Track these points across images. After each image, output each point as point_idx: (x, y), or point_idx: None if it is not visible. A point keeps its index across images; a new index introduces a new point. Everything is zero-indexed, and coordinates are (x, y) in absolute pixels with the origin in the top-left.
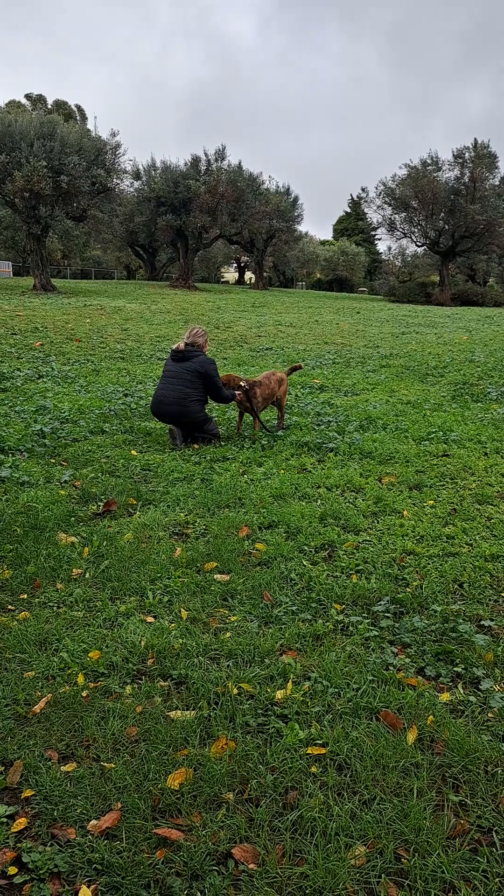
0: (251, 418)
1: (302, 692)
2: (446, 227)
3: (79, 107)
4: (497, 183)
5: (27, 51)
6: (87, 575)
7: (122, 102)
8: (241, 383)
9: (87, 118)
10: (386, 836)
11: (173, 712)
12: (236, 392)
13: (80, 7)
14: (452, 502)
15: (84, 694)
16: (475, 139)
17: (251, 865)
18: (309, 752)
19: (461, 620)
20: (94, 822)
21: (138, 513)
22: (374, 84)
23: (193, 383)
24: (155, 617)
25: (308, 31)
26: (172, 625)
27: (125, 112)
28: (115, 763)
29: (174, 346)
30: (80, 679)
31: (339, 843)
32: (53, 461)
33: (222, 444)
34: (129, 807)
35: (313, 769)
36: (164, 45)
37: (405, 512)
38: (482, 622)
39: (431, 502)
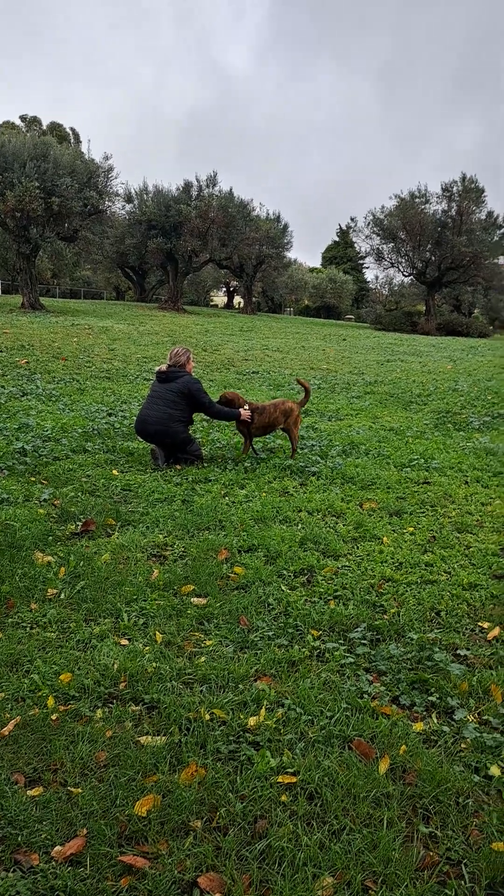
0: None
1: (275, 719)
2: (433, 258)
3: (73, 129)
4: (483, 217)
5: (28, 76)
6: (63, 595)
7: (117, 127)
8: (246, 406)
9: (80, 141)
10: (354, 867)
11: (144, 738)
12: (241, 410)
13: (83, 33)
14: (432, 530)
15: (54, 717)
16: (463, 173)
17: (217, 895)
18: (280, 780)
19: (437, 649)
20: (58, 848)
21: (117, 533)
22: (366, 117)
23: (177, 404)
24: (129, 640)
25: (302, 64)
26: (147, 648)
27: (120, 136)
28: (83, 788)
29: (158, 369)
30: (51, 702)
31: (306, 873)
32: (33, 479)
33: (205, 465)
34: (95, 833)
35: (283, 798)
36: (162, 71)
37: (385, 538)
38: (458, 651)
39: (411, 529)
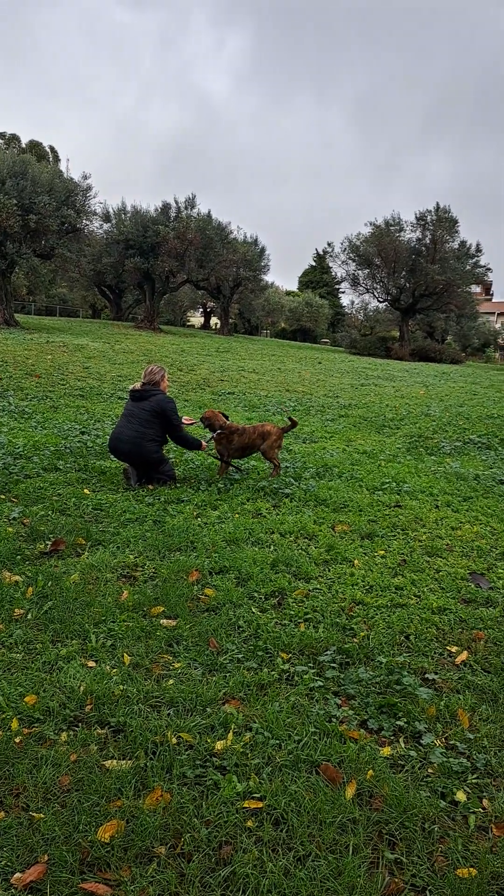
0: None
1: (242, 743)
2: (407, 285)
3: (52, 147)
4: (456, 246)
5: (8, 96)
6: (30, 616)
7: (97, 148)
8: (218, 429)
9: (59, 159)
10: (319, 894)
11: (109, 761)
12: (203, 442)
13: (65, 57)
14: (403, 553)
15: (17, 740)
16: (437, 203)
17: None
18: (246, 805)
19: (406, 673)
20: (18, 874)
21: (87, 553)
22: (342, 147)
23: (151, 423)
24: (96, 661)
25: (282, 95)
26: (114, 670)
27: (100, 157)
28: (45, 813)
29: (132, 387)
30: (15, 724)
31: None
32: (3, 497)
33: (178, 485)
34: (57, 859)
35: (249, 823)
36: (144, 97)
37: (356, 561)
38: (426, 675)
39: (382, 552)
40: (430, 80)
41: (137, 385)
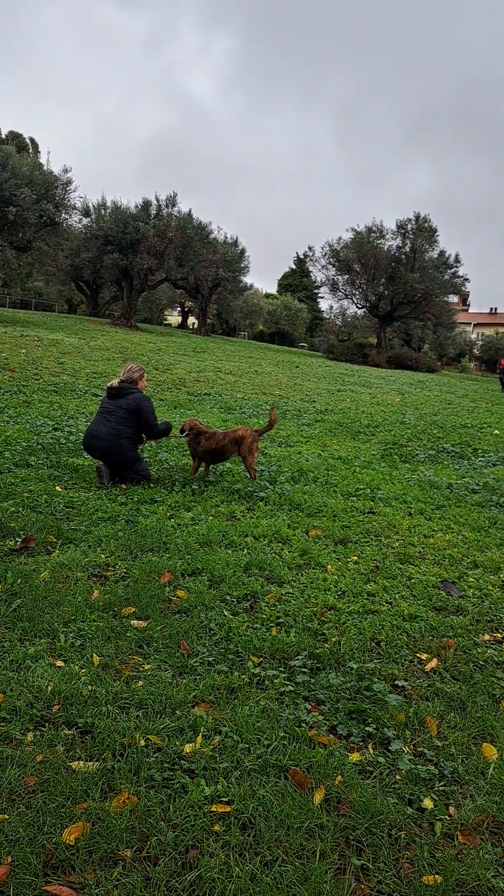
0: (218, 465)
1: (211, 747)
2: (386, 292)
3: (32, 139)
4: (436, 256)
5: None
6: None
7: (82, 146)
8: (186, 431)
9: (39, 151)
10: None
11: (75, 763)
12: (174, 436)
13: (55, 53)
14: (375, 559)
15: None
16: (417, 213)
17: None
18: (213, 809)
19: (376, 679)
20: None
21: (57, 551)
22: (325, 153)
23: (127, 420)
24: (65, 661)
25: (266, 99)
26: (83, 670)
27: (83, 153)
28: (9, 814)
29: (109, 384)
30: None
31: None
32: None
33: (151, 485)
34: (20, 861)
35: (216, 827)
36: (130, 96)
37: (329, 566)
38: (396, 682)
39: (355, 558)
40: (413, 91)
41: (115, 382)
